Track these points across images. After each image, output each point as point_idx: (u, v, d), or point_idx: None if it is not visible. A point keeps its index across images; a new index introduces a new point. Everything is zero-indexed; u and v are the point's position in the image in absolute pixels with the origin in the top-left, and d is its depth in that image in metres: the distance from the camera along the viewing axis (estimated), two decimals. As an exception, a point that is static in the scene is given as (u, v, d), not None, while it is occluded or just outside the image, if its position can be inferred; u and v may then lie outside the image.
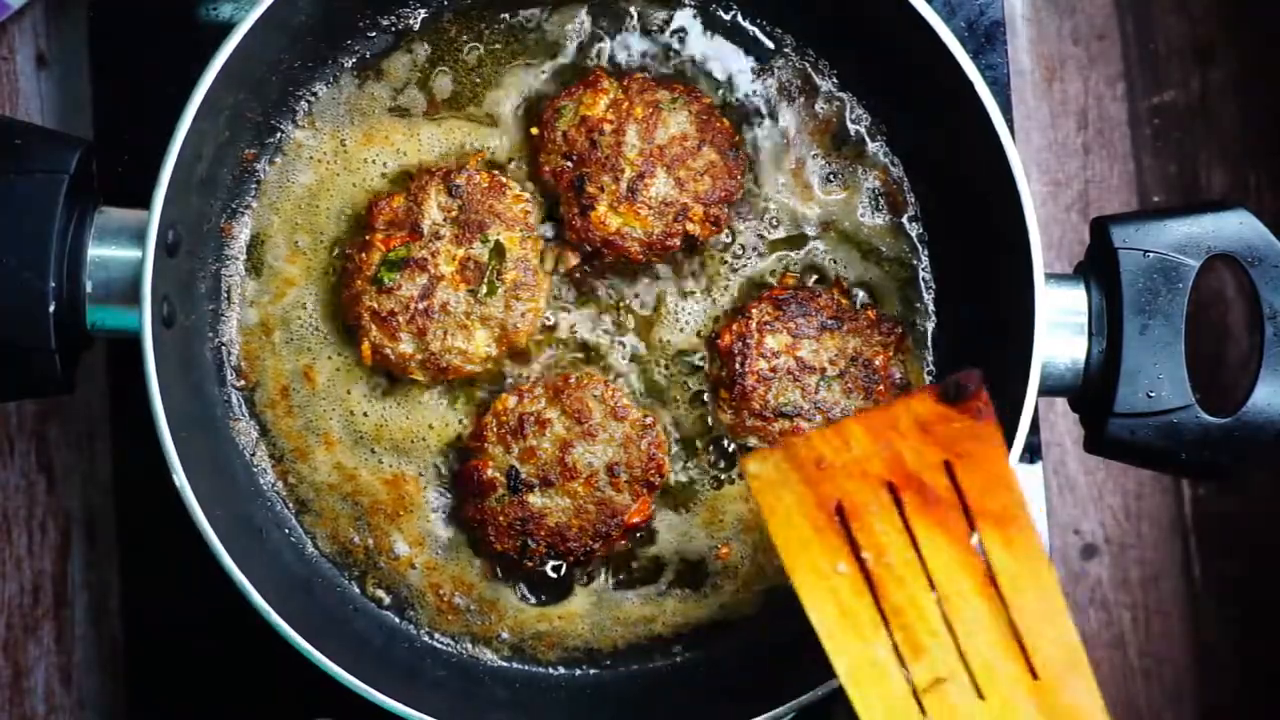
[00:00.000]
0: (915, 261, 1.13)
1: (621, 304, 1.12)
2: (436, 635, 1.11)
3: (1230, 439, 1.00)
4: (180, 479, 0.97)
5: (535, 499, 1.07)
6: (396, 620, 1.11)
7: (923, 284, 1.13)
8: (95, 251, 1.00)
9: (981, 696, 0.80)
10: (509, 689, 1.10)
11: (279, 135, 1.12)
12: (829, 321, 1.09)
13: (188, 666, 1.18)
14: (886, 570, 0.81)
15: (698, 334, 1.12)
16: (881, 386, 1.09)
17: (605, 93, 1.08)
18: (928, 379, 1.13)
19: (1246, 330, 1.28)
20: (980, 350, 1.08)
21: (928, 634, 0.81)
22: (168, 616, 1.18)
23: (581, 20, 1.13)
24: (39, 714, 1.24)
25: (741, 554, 1.11)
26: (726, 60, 1.14)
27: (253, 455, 1.11)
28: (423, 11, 1.13)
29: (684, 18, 1.13)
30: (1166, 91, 1.31)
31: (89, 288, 1.00)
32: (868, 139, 1.14)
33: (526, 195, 1.10)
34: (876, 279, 1.13)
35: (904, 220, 1.13)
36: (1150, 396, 1.00)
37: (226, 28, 1.00)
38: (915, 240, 1.13)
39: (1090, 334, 1.02)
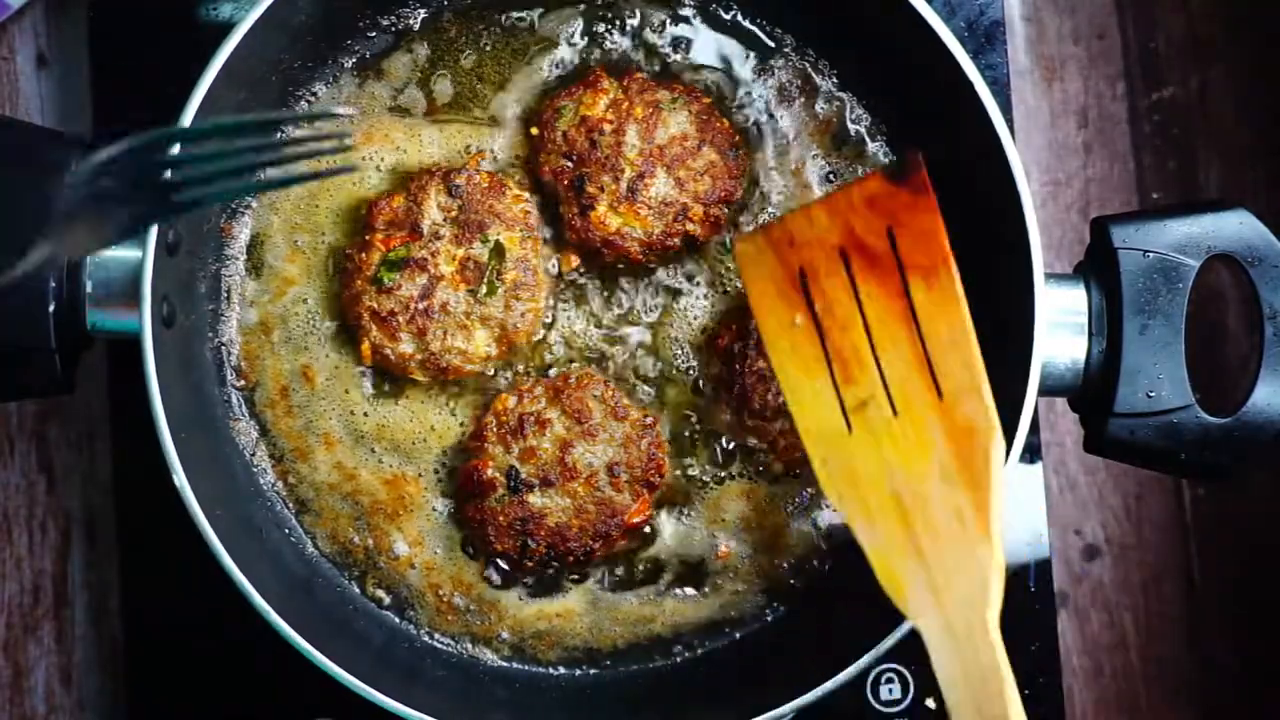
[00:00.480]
0: (915, 261, 1.13)
1: (621, 304, 1.12)
2: (436, 635, 1.11)
3: (1230, 439, 1.00)
4: (180, 479, 0.97)
5: (535, 499, 1.07)
6: (396, 620, 1.11)
7: (923, 284, 1.13)
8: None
9: (896, 414, 0.95)
10: (509, 689, 1.10)
11: (279, 135, 1.12)
12: None
13: (188, 666, 1.18)
14: (833, 320, 0.98)
15: (701, 332, 1.12)
16: None
17: (605, 93, 1.08)
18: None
19: (1246, 330, 1.28)
20: (980, 350, 1.08)
21: (858, 367, 0.97)
22: (168, 616, 1.18)
23: (581, 21, 1.13)
24: (39, 714, 1.24)
25: (741, 554, 1.11)
26: (726, 60, 1.14)
27: (253, 455, 1.11)
28: (422, 11, 1.13)
29: (684, 18, 1.13)
30: (1166, 90, 1.31)
31: (89, 288, 1.00)
32: (868, 139, 1.14)
33: (526, 195, 1.10)
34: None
35: (904, 220, 1.13)
36: (1150, 396, 1.00)
37: (226, 28, 1.00)
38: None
39: (1090, 334, 1.02)
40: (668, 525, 1.11)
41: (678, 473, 1.11)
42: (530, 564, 1.08)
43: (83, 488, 1.24)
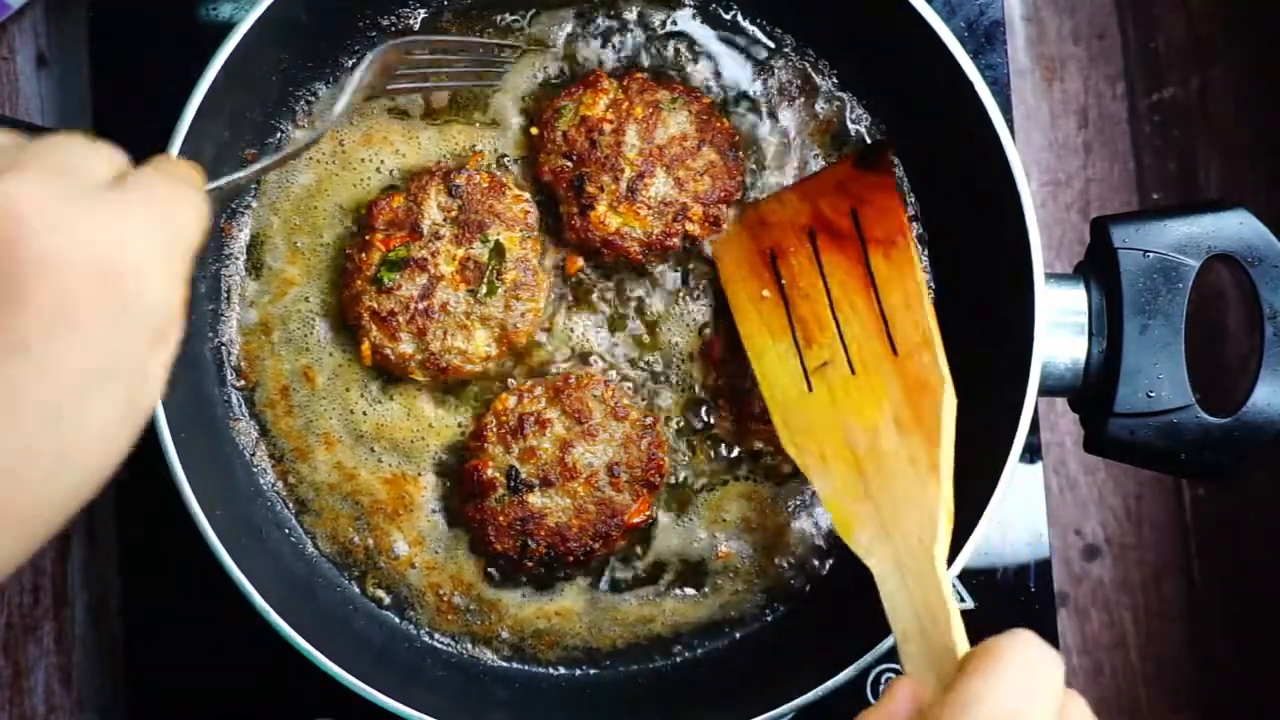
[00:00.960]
0: (915, 261, 1.13)
1: (622, 304, 1.12)
2: (436, 635, 1.11)
3: (1230, 439, 1.00)
4: (180, 479, 0.97)
5: (535, 499, 1.07)
6: (396, 620, 1.11)
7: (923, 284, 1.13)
8: (95, 251, 1.00)
9: (854, 372, 1.01)
10: (509, 689, 1.10)
11: (279, 135, 1.12)
12: None
13: (188, 666, 1.18)
14: (797, 290, 1.06)
15: (698, 334, 1.12)
16: None
17: (605, 93, 1.08)
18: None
19: (1246, 330, 1.28)
20: (980, 350, 1.08)
21: (819, 330, 1.04)
22: (168, 616, 1.18)
23: (582, 21, 1.13)
24: (39, 714, 1.24)
25: (741, 554, 1.11)
26: (726, 60, 1.14)
27: (253, 455, 1.11)
28: (422, 11, 1.13)
29: (684, 18, 1.13)
30: (1166, 90, 1.31)
31: (89, 288, 0.99)
32: (868, 139, 1.14)
33: (526, 195, 1.10)
34: (876, 279, 1.13)
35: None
36: (1150, 396, 1.00)
37: (226, 28, 1.00)
38: (915, 240, 1.13)
39: (1090, 334, 1.02)
40: (668, 525, 1.11)
41: (678, 472, 1.11)
42: (530, 564, 1.08)
43: (83, 488, 1.24)
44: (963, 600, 1.20)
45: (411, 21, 1.13)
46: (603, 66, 1.12)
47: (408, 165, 1.12)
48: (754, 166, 1.13)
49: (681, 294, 1.12)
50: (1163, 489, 1.30)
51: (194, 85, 0.98)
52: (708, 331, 1.11)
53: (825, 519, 1.12)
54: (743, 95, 1.13)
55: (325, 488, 1.11)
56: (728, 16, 1.14)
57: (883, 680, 1.18)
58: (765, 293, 1.06)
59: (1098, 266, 1.04)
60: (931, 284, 1.13)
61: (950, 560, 0.99)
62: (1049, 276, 1.02)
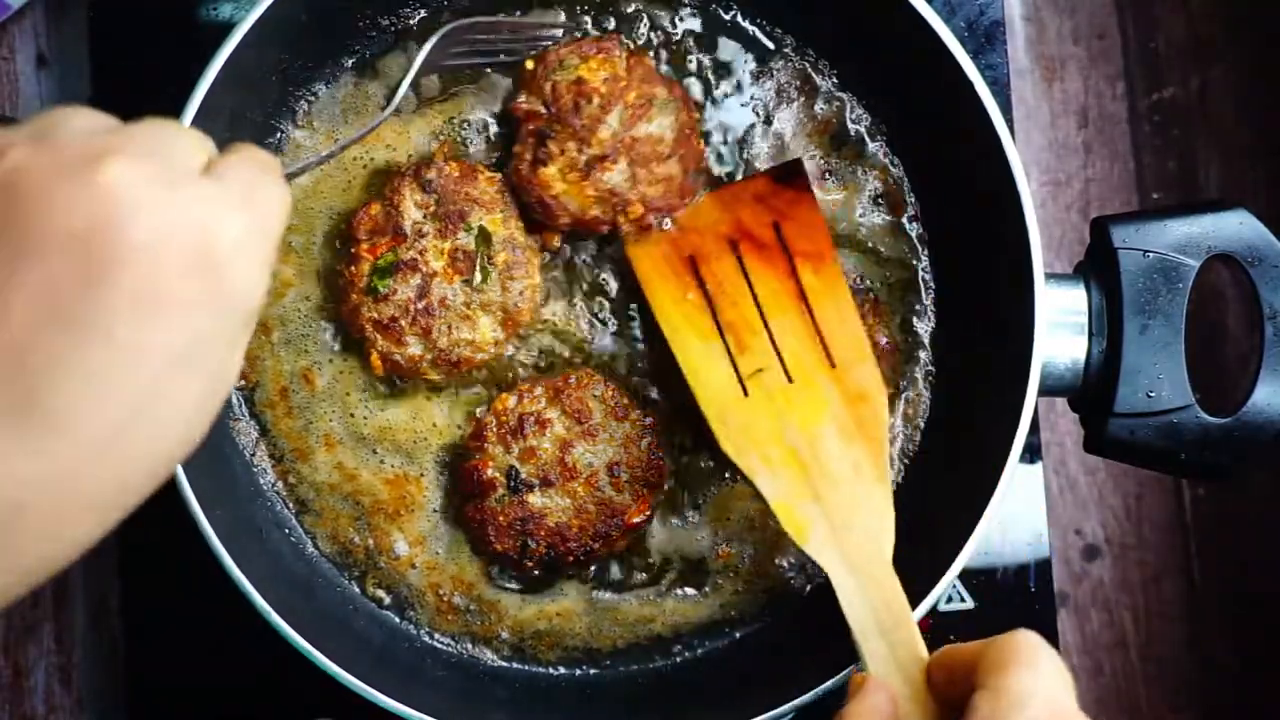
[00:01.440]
0: (915, 261, 1.13)
1: (615, 299, 1.12)
2: (436, 635, 1.11)
3: (1230, 439, 1.00)
4: (180, 479, 0.97)
5: (535, 499, 1.07)
6: (396, 620, 1.11)
7: (922, 284, 1.13)
8: (95, 251, 1.00)
9: (790, 380, 1.02)
10: (509, 689, 1.10)
11: (279, 135, 1.12)
12: None
13: (188, 666, 1.18)
14: (724, 296, 1.06)
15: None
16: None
17: (611, 65, 1.07)
18: (921, 344, 1.13)
19: (1246, 330, 1.28)
20: (980, 350, 1.08)
21: (751, 336, 1.04)
22: (168, 616, 1.18)
23: (575, 23, 1.13)
24: (39, 714, 1.24)
25: (742, 554, 1.11)
26: (726, 61, 1.14)
27: (253, 455, 1.11)
28: (422, 11, 1.13)
29: (684, 18, 1.13)
30: (1166, 90, 1.31)
31: (89, 288, 0.99)
32: (868, 139, 1.14)
33: (499, 176, 1.10)
34: (876, 279, 1.13)
35: (904, 220, 1.13)
36: (1150, 396, 1.00)
37: (226, 28, 1.00)
38: (915, 240, 1.13)
39: (1090, 334, 1.02)
40: (668, 525, 1.11)
41: (679, 472, 1.11)
42: (530, 564, 1.08)
43: (83, 488, 1.24)
44: (963, 600, 1.20)
45: (411, 22, 1.13)
46: (619, 35, 1.11)
47: (399, 162, 1.11)
48: (744, 159, 1.13)
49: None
50: (1163, 489, 1.30)
51: (194, 85, 0.98)
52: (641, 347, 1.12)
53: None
54: (743, 96, 1.13)
55: (326, 488, 1.11)
56: (727, 17, 1.14)
57: (883, 680, 1.18)
58: (690, 295, 1.06)
59: (1098, 266, 1.04)
60: (932, 284, 1.13)
61: (950, 560, 0.99)
62: (1049, 276, 1.02)
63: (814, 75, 1.14)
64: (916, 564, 1.00)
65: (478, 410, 1.11)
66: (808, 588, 1.12)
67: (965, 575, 1.21)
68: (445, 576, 1.11)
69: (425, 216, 1.07)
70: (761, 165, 1.13)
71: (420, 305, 1.06)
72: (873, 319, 1.11)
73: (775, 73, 1.14)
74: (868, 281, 1.13)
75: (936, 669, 0.86)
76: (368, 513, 1.11)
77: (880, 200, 1.13)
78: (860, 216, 1.13)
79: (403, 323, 1.06)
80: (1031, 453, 1.22)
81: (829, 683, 0.98)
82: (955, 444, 1.10)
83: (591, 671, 1.12)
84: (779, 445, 1.01)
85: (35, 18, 1.25)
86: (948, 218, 1.12)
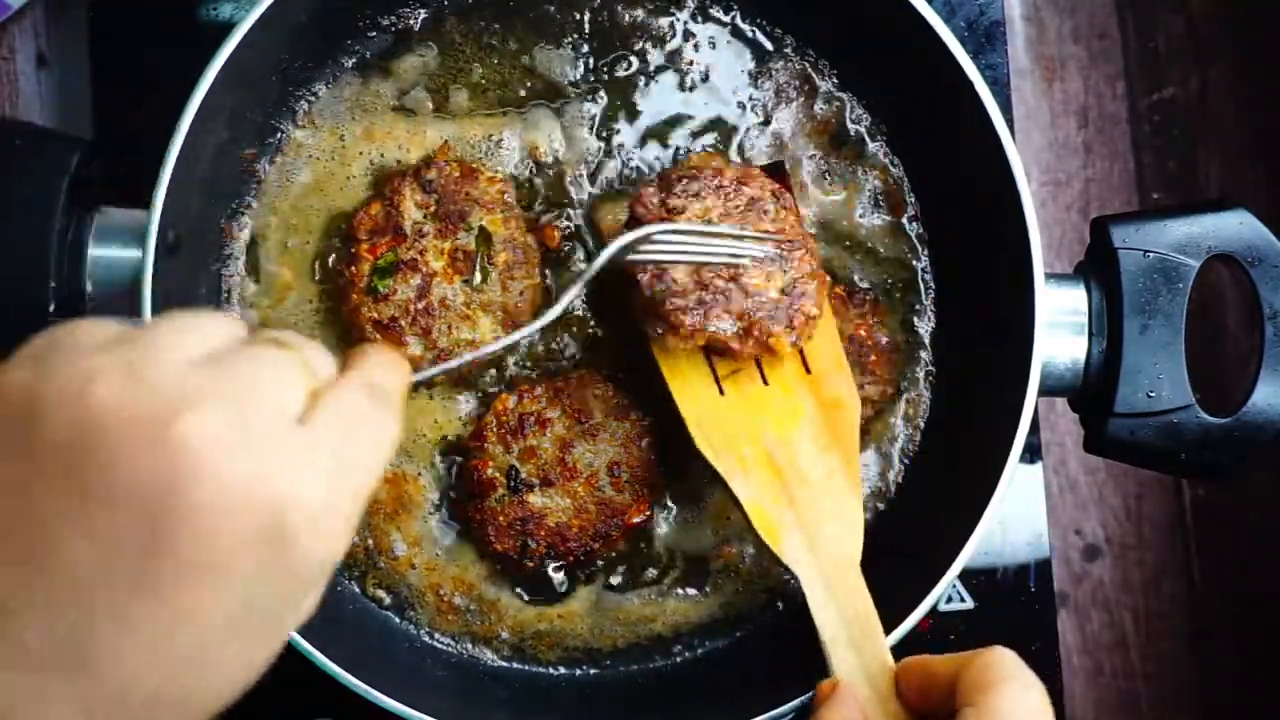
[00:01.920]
0: (915, 262, 1.13)
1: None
2: (436, 635, 1.11)
3: (1230, 439, 1.00)
4: (180, 479, 0.97)
5: (535, 499, 1.07)
6: (396, 620, 1.11)
7: (922, 284, 1.13)
8: (95, 251, 1.00)
9: (766, 383, 1.02)
10: (509, 689, 1.10)
11: (279, 135, 1.12)
12: None
13: (188, 666, 1.17)
14: None
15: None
16: (873, 356, 1.10)
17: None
18: (921, 344, 1.13)
19: (1246, 330, 1.28)
20: (980, 350, 1.08)
21: None
22: (168, 616, 1.17)
23: (582, 27, 1.13)
24: (39, 714, 1.24)
25: (742, 554, 1.11)
26: (726, 61, 1.14)
27: (253, 455, 1.11)
28: (423, 12, 1.13)
29: (683, 19, 1.13)
30: (1166, 90, 1.31)
31: (89, 288, 1.00)
32: (868, 139, 1.14)
33: (500, 175, 1.10)
34: (875, 279, 1.13)
35: (904, 220, 1.13)
36: (1150, 396, 1.00)
37: (226, 28, 1.00)
38: (915, 240, 1.13)
39: (1090, 334, 1.02)
40: (669, 525, 1.11)
41: (679, 472, 1.11)
42: (530, 564, 1.08)
43: (83, 488, 1.24)
44: (963, 600, 1.20)
45: (412, 22, 1.13)
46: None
47: (409, 162, 1.11)
48: (744, 160, 1.13)
49: None
50: (1163, 489, 1.30)
51: (194, 85, 0.98)
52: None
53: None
54: (742, 97, 1.13)
55: (325, 488, 1.11)
56: (727, 18, 1.14)
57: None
58: None
59: (1098, 266, 1.04)
60: (932, 284, 1.13)
61: (950, 560, 0.99)
62: (1049, 276, 1.02)
63: (814, 75, 1.14)
64: (917, 564, 1.01)
65: (477, 410, 1.11)
66: (808, 588, 1.12)
67: (965, 575, 1.21)
68: (445, 576, 1.11)
69: (425, 216, 1.07)
70: (760, 162, 1.13)
71: (420, 305, 1.06)
72: (873, 319, 1.11)
73: (775, 73, 1.14)
74: (868, 281, 1.13)
75: (905, 680, 0.87)
76: (367, 512, 1.11)
77: (880, 200, 1.13)
78: (860, 216, 1.13)
79: (403, 323, 1.06)
80: (1031, 453, 1.22)
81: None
82: (955, 444, 1.10)
83: (592, 671, 1.12)
84: (754, 445, 1.01)
85: (35, 18, 1.25)
86: (948, 218, 1.12)
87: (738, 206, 1.00)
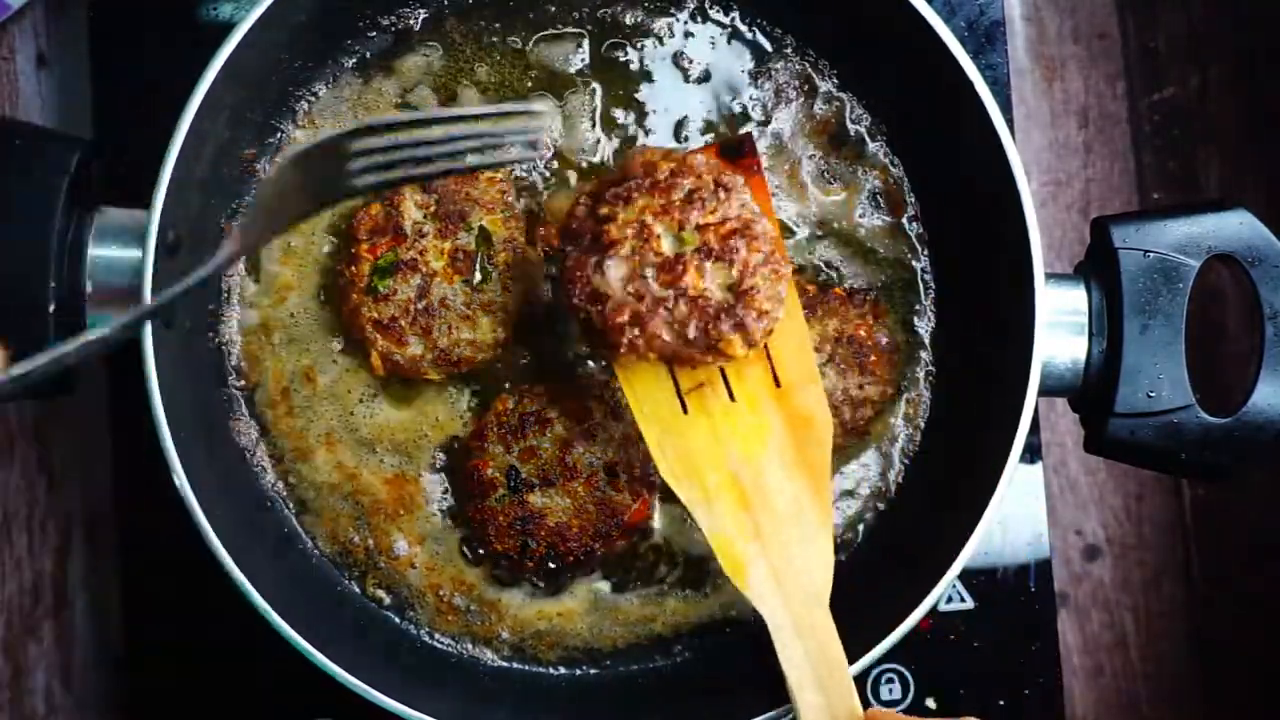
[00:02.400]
0: (915, 262, 1.13)
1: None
2: (436, 635, 1.11)
3: (1230, 439, 1.00)
4: (180, 479, 0.97)
5: (535, 499, 1.07)
6: (396, 620, 1.11)
7: (922, 284, 1.13)
8: (95, 251, 1.00)
9: (733, 399, 0.97)
10: (509, 689, 1.10)
11: (279, 135, 1.12)
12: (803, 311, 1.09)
13: (188, 666, 1.18)
14: None
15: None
16: (873, 357, 1.10)
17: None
18: (921, 344, 1.13)
19: (1246, 330, 1.28)
20: (980, 350, 1.08)
21: None
22: (168, 616, 1.18)
23: (581, 28, 1.13)
24: (39, 714, 1.24)
25: (741, 554, 1.11)
26: (726, 61, 1.14)
27: (253, 455, 1.11)
28: (423, 12, 1.13)
29: (683, 20, 1.13)
30: (1166, 90, 1.31)
31: (89, 288, 1.00)
32: (868, 139, 1.14)
33: (500, 175, 1.10)
34: (875, 280, 1.13)
35: (904, 220, 1.14)
36: (1150, 396, 1.00)
37: (226, 28, 1.00)
38: (915, 240, 1.13)
39: (1090, 334, 1.02)
40: (668, 525, 1.11)
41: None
42: (530, 564, 1.08)
43: (83, 488, 1.24)
44: (963, 600, 1.20)
45: (412, 22, 1.13)
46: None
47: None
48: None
49: None
50: (1163, 489, 1.30)
51: (194, 85, 0.98)
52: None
53: (825, 519, 1.12)
54: (742, 97, 1.13)
55: (325, 488, 1.11)
56: (727, 19, 1.14)
57: (883, 680, 1.18)
58: None
59: (1098, 266, 1.04)
60: (932, 284, 1.13)
61: (950, 560, 0.99)
62: (1049, 276, 1.02)
63: (814, 75, 1.14)
64: (917, 564, 1.01)
65: (478, 410, 1.11)
66: (808, 588, 1.12)
67: (965, 575, 1.21)
68: (445, 576, 1.11)
69: (425, 217, 1.07)
70: (765, 166, 1.13)
71: (420, 305, 1.06)
72: (873, 319, 1.11)
73: (775, 73, 1.14)
74: (868, 281, 1.13)
75: None
76: (367, 512, 1.11)
77: (880, 200, 1.13)
78: (860, 216, 1.13)
79: (403, 323, 1.06)
80: (1031, 453, 1.22)
81: (829, 683, 0.98)
82: (955, 444, 1.10)
83: (591, 671, 1.12)
84: (719, 471, 0.97)
85: (35, 18, 1.25)
86: (948, 218, 1.12)
87: (674, 201, 0.93)
